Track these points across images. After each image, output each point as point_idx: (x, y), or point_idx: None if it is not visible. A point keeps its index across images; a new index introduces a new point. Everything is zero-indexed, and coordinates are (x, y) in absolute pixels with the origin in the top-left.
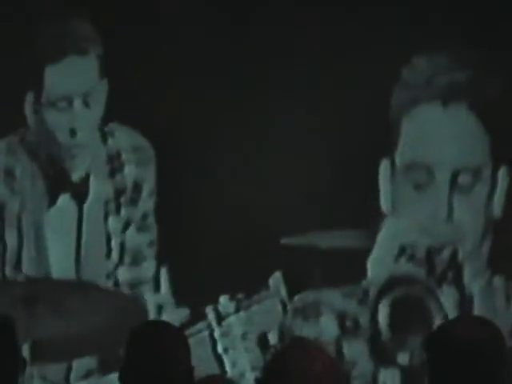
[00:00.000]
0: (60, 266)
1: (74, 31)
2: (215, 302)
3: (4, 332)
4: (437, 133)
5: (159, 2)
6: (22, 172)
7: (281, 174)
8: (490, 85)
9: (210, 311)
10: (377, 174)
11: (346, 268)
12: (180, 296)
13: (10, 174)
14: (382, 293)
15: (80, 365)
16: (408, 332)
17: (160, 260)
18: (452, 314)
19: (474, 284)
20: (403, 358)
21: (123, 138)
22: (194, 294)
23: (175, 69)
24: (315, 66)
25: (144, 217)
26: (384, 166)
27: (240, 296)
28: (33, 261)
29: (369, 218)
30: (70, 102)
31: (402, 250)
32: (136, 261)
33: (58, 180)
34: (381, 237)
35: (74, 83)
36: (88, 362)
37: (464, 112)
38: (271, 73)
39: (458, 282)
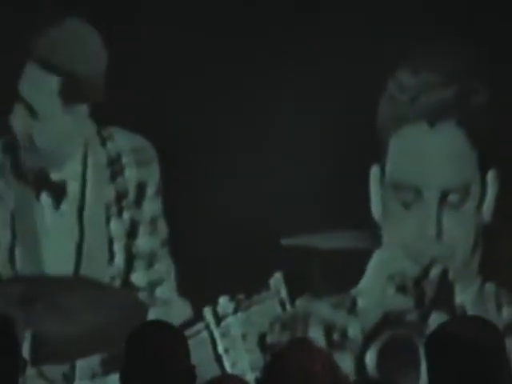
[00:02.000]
0: (60, 271)
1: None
2: (215, 302)
3: (4, 332)
4: (425, 153)
5: (160, 2)
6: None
7: (281, 174)
8: (477, 95)
9: (207, 312)
10: None
11: (346, 268)
12: (180, 296)
13: (4, 171)
14: (370, 339)
15: (81, 365)
16: (396, 375)
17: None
18: None
19: (465, 295)
20: None
21: (122, 140)
22: (194, 294)
23: (175, 69)
24: (315, 66)
25: (153, 219)
26: (374, 173)
27: (240, 297)
28: (26, 261)
29: (369, 219)
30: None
31: (391, 280)
32: (151, 263)
33: (47, 183)
34: (370, 267)
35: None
36: (89, 362)
37: (452, 129)
38: (271, 73)
39: (449, 305)
